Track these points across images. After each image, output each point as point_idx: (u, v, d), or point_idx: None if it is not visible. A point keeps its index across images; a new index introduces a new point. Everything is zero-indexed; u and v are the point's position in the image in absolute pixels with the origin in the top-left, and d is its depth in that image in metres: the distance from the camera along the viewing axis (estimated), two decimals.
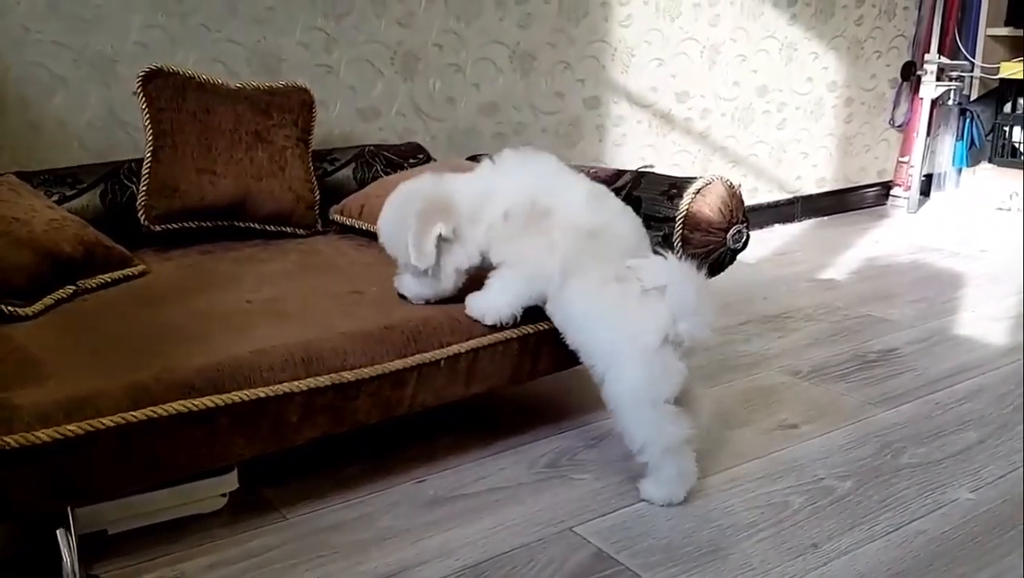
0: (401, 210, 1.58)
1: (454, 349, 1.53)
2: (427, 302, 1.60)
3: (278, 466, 1.60)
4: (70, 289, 1.62)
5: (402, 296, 1.63)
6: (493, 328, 1.57)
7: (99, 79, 2.14)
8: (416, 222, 1.53)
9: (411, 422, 1.64)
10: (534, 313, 1.60)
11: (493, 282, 1.57)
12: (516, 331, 1.60)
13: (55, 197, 1.89)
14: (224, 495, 1.51)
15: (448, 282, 1.59)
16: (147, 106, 1.97)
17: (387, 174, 2.27)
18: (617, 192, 1.98)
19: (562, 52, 2.95)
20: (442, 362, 1.52)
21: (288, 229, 2.08)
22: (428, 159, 2.41)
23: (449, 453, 1.71)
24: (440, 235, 1.53)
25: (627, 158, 3.19)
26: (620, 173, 2.05)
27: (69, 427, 1.17)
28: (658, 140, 3.29)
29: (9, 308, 1.50)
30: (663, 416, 1.49)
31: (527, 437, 1.78)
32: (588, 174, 2.09)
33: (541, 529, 1.47)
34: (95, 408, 1.20)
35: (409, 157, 2.38)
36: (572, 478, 1.64)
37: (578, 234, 1.53)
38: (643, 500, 1.55)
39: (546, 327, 1.62)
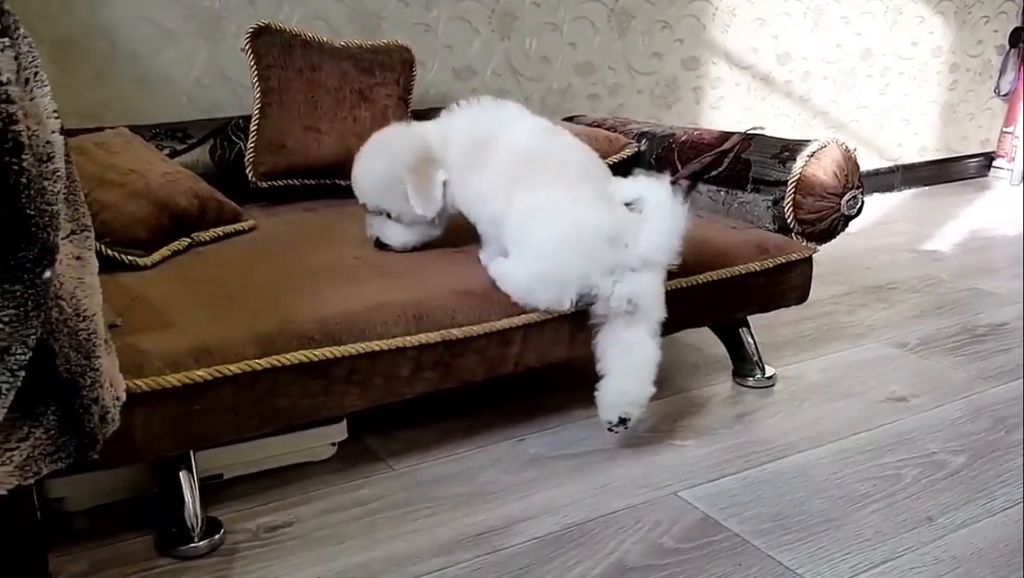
0: (387, 162, 1.60)
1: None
2: (412, 249, 1.63)
3: (383, 417, 1.63)
4: (185, 241, 1.66)
5: (382, 246, 1.64)
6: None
7: (206, 34, 2.17)
8: (414, 173, 1.56)
9: (512, 381, 1.64)
10: None
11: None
12: None
13: (166, 151, 1.94)
14: (333, 444, 1.55)
15: (442, 226, 1.64)
16: (255, 63, 1.99)
17: None
18: (724, 154, 1.94)
19: (661, 11, 2.88)
20: (547, 323, 1.51)
21: None
22: None
23: (549, 413, 1.71)
24: (444, 181, 1.57)
25: (724, 121, 3.11)
26: (727, 135, 2.00)
27: (197, 373, 1.20)
28: (757, 103, 3.20)
29: (129, 257, 1.54)
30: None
31: None
32: (690, 136, 2.07)
33: (646, 492, 1.46)
34: (222, 355, 1.23)
35: None
36: (674, 444, 1.62)
37: (520, 157, 1.52)
38: None
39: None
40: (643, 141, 2.18)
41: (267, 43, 1.99)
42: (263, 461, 1.49)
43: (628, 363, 1.47)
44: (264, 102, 1.98)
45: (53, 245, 0.84)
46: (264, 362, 1.25)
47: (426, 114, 2.27)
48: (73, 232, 0.93)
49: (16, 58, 0.86)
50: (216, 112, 2.18)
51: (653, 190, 1.47)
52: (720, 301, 1.73)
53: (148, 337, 1.24)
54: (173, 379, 1.18)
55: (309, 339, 1.30)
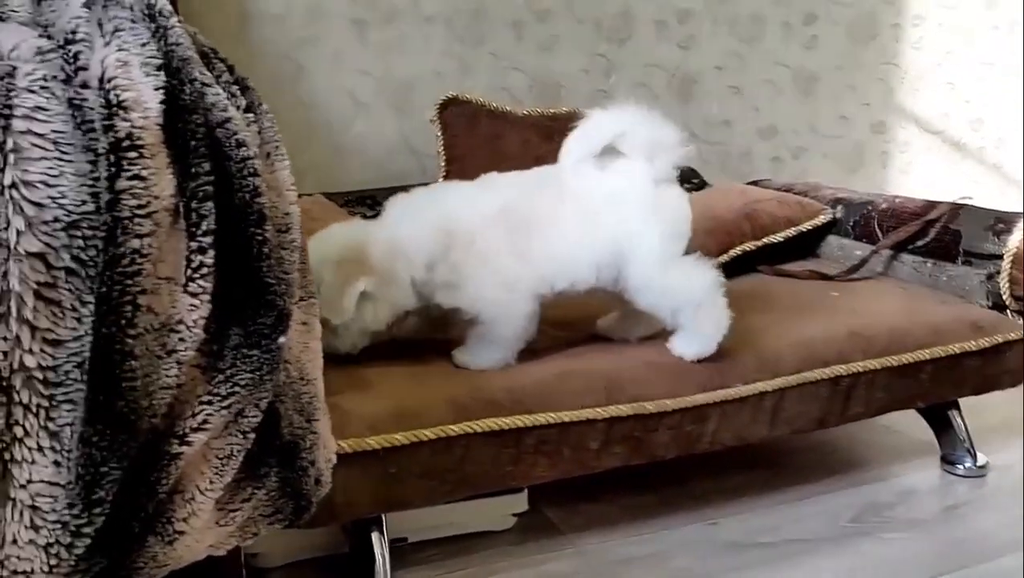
0: (315, 259, 1.18)
1: (760, 387, 1.44)
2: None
3: (563, 488, 1.58)
4: None
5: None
6: (799, 366, 1.47)
7: (396, 106, 2.25)
8: (329, 276, 1.30)
9: (700, 454, 1.56)
10: (838, 353, 1.49)
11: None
12: (827, 371, 1.49)
13: (357, 216, 2.01)
14: (514, 515, 1.52)
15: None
16: (442, 132, 2.05)
17: None
18: (931, 224, 1.82)
19: (848, 74, 2.78)
20: (747, 399, 1.43)
21: None
22: (702, 185, 2.34)
23: (741, 494, 1.61)
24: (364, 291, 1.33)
25: (914, 186, 2.94)
26: (932, 204, 1.88)
27: (396, 436, 1.21)
28: (948, 169, 3.01)
29: None
30: (687, 270, 1.38)
31: (823, 486, 1.65)
32: (891, 204, 1.95)
33: None
34: (419, 419, 1.24)
35: (684, 181, 2.30)
36: (881, 537, 1.49)
37: (493, 222, 1.37)
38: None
39: (859, 368, 1.50)
40: (838, 208, 2.08)
41: (454, 114, 2.05)
42: (446, 527, 1.48)
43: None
44: (448, 170, 2.04)
45: (288, 312, 0.87)
46: (457, 428, 1.24)
47: None
48: (302, 298, 0.96)
49: (259, 132, 0.91)
50: (403, 180, 2.25)
51: (634, 119, 1.40)
52: (931, 382, 1.60)
53: (348, 398, 1.26)
54: (373, 441, 1.20)
55: (499, 406, 1.29)
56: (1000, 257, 1.67)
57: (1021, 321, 1.67)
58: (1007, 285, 1.67)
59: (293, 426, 0.93)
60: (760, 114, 2.67)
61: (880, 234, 1.93)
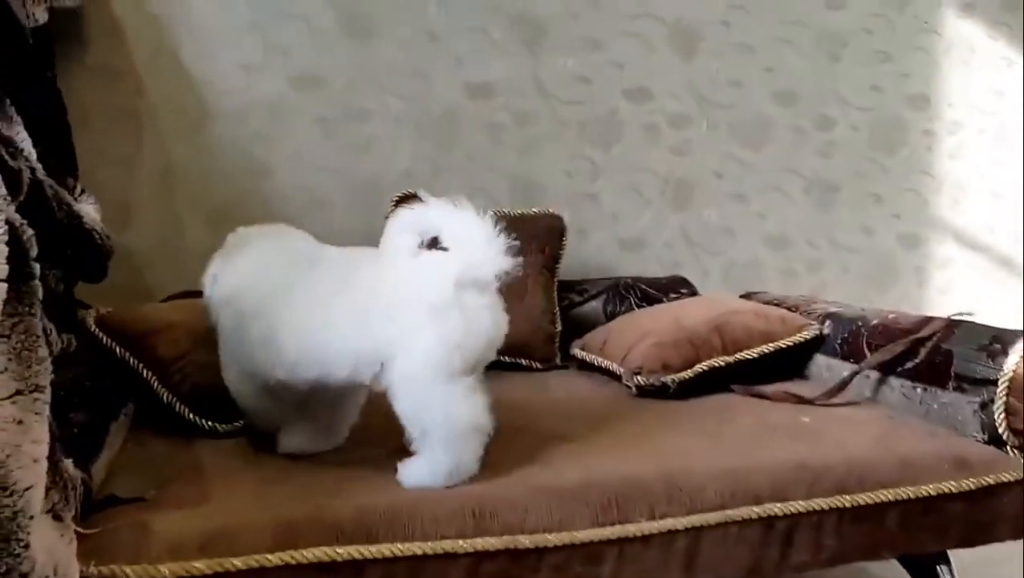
0: None
1: (669, 523, 1.21)
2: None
3: None
4: None
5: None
6: (723, 502, 1.24)
7: (361, 204, 2.16)
8: None
9: None
10: (774, 488, 1.25)
11: None
12: (757, 509, 1.25)
13: None
14: None
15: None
16: None
17: (641, 308, 2.04)
18: (921, 342, 1.58)
19: (872, 183, 2.57)
20: (652, 538, 1.20)
21: (523, 361, 1.91)
22: (692, 294, 2.15)
23: None
24: None
25: (956, 307, 2.65)
26: (927, 320, 1.63)
27: (196, 564, 1.04)
28: (995, 289, 2.71)
29: (208, 424, 1.46)
30: (454, 392, 1.19)
31: None
32: (884, 320, 1.72)
33: None
34: (231, 545, 1.06)
35: (670, 291, 2.13)
36: None
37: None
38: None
39: (800, 508, 1.26)
40: (827, 323, 1.85)
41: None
42: None
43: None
44: None
45: None
46: (275, 557, 1.06)
47: (578, 285, 2.13)
48: (19, 392, 0.83)
49: None
50: None
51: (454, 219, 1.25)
52: (900, 529, 1.32)
53: (168, 516, 1.10)
54: (166, 570, 1.02)
55: (338, 533, 1.10)
56: (995, 383, 1.41)
57: (1021, 459, 1.39)
58: (1003, 416, 1.40)
59: None
60: (767, 222, 2.48)
61: (868, 353, 1.69)
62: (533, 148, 2.26)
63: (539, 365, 1.93)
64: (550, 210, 2.06)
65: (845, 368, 1.73)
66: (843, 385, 1.65)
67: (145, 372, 1.50)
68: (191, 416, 1.46)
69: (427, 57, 2.17)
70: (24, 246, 0.88)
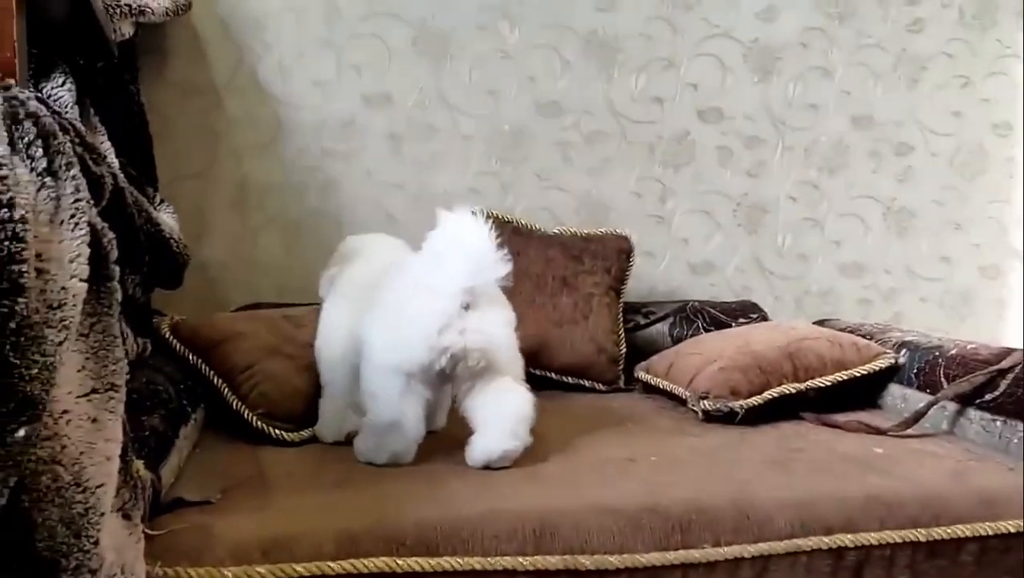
0: None
1: (736, 550, 1.18)
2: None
3: None
4: None
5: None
6: (792, 532, 1.20)
7: (429, 221, 2.16)
8: None
9: None
10: (845, 519, 1.21)
11: None
12: (827, 540, 1.21)
13: None
14: None
15: None
16: None
17: (708, 332, 2.00)
18: (1001, 374, 1.52)
19: (952, 211, 2.49)
20: (717, 565, 1.17)
21: (586, 382, 1.89)
22: (762, 319, 2.10)
23: None
24: None
25: None
26: (1008, 351, 1.57)
27: (258, 569, 1.04)
28: None
29: (276, 432, 1.48)
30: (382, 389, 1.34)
31: None
32: (962, 350, 1.65)
33: None
34: (292, 551, 1.07)
35: (740, 316, 2.09)
36: None
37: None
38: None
39: (873, 540, 1.21)
40: (903, 352, 1.79)
41: None
42: None
43: (494, 413, 1.33)
44: None
45: (35, 399, 0.75)
46: (336, 566, 1.06)
47: (644, 307, 2.10)
48: (95, 390, 0.84)
49: (57, 199, 0.83)
50: None
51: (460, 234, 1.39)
52: (978, 566, 1.26)
53: (232, 520, 1.12)
54: (229, 573, 1.03)
55: (399, 544, 1.10)
56: None
57: None
58: None
59: (55, 541, 0.79)
60: (842, 249, 2.42)
61: (945, 384, 1.62)
62: (602, 168, 2.25)
63: (602, 387, 1.91)
64: (617, 231, 2.05)
65: (921, 398, 1.67)
66: (919, 416, 1.59)
67: (216, 379, 1.53)
68: (259, 424, 1.48)
69: (498, 75, 2.18)
70: (105, 249, 0.90)
